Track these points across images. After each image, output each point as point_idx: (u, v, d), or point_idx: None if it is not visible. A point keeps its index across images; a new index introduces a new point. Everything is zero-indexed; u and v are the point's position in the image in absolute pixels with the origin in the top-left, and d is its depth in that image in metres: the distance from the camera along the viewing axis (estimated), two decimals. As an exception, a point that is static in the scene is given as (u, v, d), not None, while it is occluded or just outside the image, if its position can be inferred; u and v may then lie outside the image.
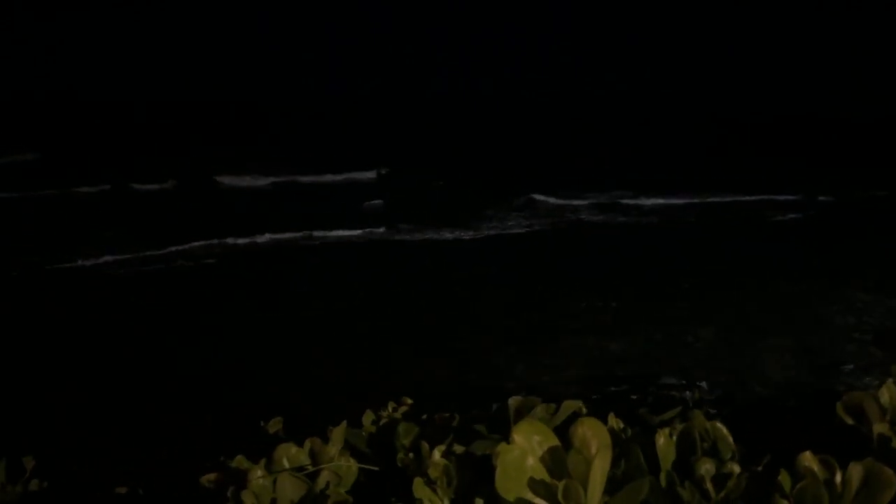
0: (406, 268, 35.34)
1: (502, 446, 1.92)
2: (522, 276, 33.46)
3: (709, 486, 2.00)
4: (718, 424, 2.30)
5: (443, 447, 2.03)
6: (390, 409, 3.02)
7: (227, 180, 57.33)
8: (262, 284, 31.76)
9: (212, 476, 2.12)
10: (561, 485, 1.84)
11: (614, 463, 2.21)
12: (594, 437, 1.97)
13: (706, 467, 2.08)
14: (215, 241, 38.24)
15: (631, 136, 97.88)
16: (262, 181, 58.29)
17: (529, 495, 1.84)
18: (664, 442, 2.13)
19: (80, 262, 33.82)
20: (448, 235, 42.96)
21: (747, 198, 53.54)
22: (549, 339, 24.14)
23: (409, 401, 3.14)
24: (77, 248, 35.71)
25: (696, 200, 53.60)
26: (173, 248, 36.78)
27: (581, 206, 52.71)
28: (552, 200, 53.42)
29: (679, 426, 2.28)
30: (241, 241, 39.10)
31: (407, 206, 49.45)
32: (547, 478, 1.87)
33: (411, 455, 2.15)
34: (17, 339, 23.70)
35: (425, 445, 2.14)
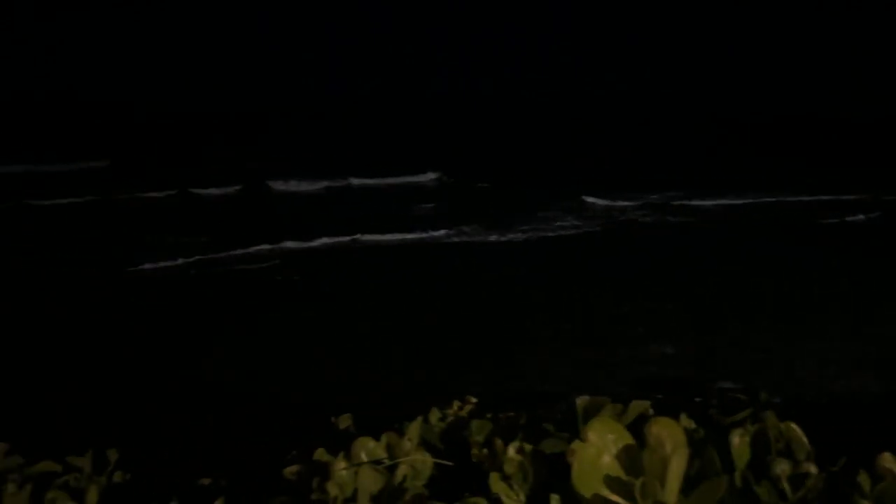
0: (458, 269, 35.45)
1: (578, 443, 1.94)
2: (574, 278, 33.25)
3: (785, 485, 2.00)
4: (792, 425, 2.29)
5: (517, 444, 2.07)
6: (456, 407, 3.07)
7: (283, 185, 58.27)
8: (321, 286, 32.19)
9: (294, 468, 2.20)
10: (638, 482, 1.85)
11: (690, 463, 2.22)
12: (669, 436, 1.98)
13: (782, 467, 2.07)
14: (277, 245, 38.91)
15: (682, 135, 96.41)
16: (315, 185, 59.04)
17: (606, 492, 1.86)
18: (739, 441, 2.13)
19: (146, 266, 34.73)
20: (500, 238, 42.95)
21: (805, 198, 52.21)
22: (604, 342, 23.96)
23: (474, 399, 3.19)
24: (146, 251, 36.76)
25: (750, 201, 52.51)
26: (238, 252, 37.59)
27: (631, 207, 52.14)
28: (602, 202, 52.95)
29: (752, 427, 2.27)
30: (300, 244, 39.71)
31: (460, 208, 49.60)
32: (623, 475, 1.89)
33: (485, 451, 2.19)
34: (95, 338, 24.58)
35: (499, 441, 2.18)
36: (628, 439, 1.98)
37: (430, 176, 64.43)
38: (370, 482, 2.11)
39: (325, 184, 59.51)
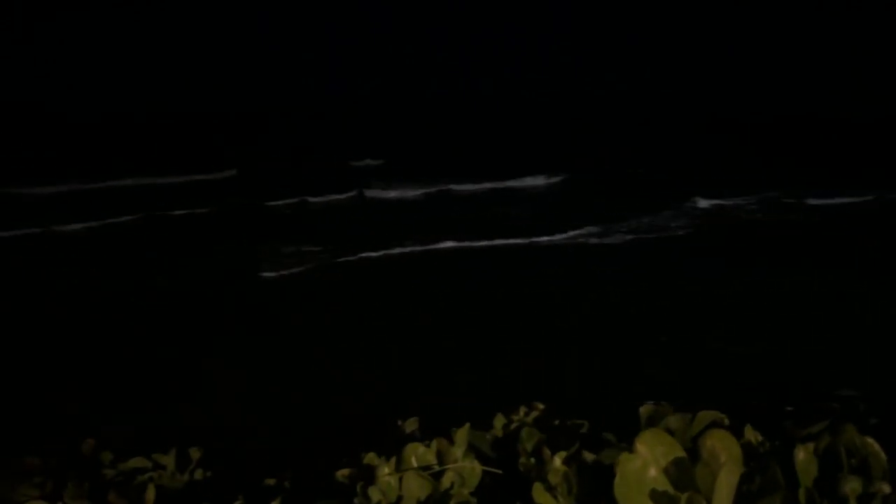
0: (572, 272, 35.01)
1: (624, 455, 1.88)
2: (679, 279, 32.25)
3: (853, 505, 1.86)
4: (869, 440, 2.13)
5: (564, 453, 2.02)
6: (522, 413, 3.03)
7: (390, 192, 59.28)
8: (432, 291, 32.52)
9: (346, 471, 2.23)
10: (684, 497, 1.78)
11: (749, 478, 2.10)
12: (723, 449, 1.89)
13: (852, 486, 1.93)
14: (387, 252, 39.68)
15: (793, 134, 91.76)
16: (418, 191, 59.70)
17: (650, 506, 1.79)
18: (804, 457, 2.00)
19: (268, 274, 36.14)
20: (613, 240, 42.20)
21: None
22: (717, 343, 23.12)
23: (541, 406, 3.14)
24: (269, 258, 38.38)
25: (866, 199, 49.43)
26: (351, 258, 38.63)
27: (743, 206, 50.09)
28: (713, 202, 51.09)
29: (825, 440, 2.13)
30: (406, 249, 40.31)
31: (573, 210, 49.01)
32: (671, 489, 1.81)
33: (533, 460, 2.15)
34: (211, 343, 25.94)
35: (547, 451, 2.14)
36: (679, 452, 1.90)
37: (542, 180, 63.91)
38: (415, 488, 2.11)
39: (428, 190, 60.19)
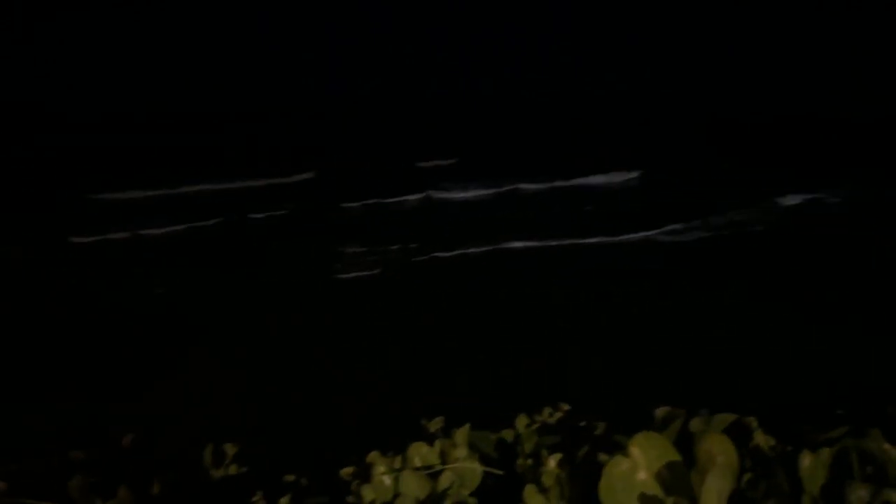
0: (632, 269, 34.42)
1: (617, 458, 1.86)
2: (755, 276, 31.28)
3: (857, 513, 1.79)
4: (888, 447, 2.04)
5: (559, 455, 2.02)
6: (546, 414, 3.02)
7: (458, 193, 59.35)
8: (509, 289, 32.47)
9: (349, 469, 2.27)
10: (670, 501, 1.74)
11: (755, 483, 2.04)
12: (719, 453, 1.84)
13: (858, 494, 1.85)
14: (463, 251, 39.88)
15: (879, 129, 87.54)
16: (483, 191, 59.47)
17: (635, 508, 1.77)
18: (809, 463, 1.94)
19: (344, 275, 36.82)
20: (686, 237, 41.25)
21: None
22: (800, 344, 22.35)
23: (566, 406, 3.12)
24: (345, 259, 39.20)
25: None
26: (421, 258, 39.02)
27: (828, 204, 48.09)
28: (792, 199, 49.19)
29: (837, 446, 2.05)
30: (480, 249, 40.38)
31: (655, 208, 48.07)
32: (659, 493, 1.78)
33: (530, 461, 2.15)
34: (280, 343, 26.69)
35: (544, 452, 2.13)
36: (673, 455, 1.86)
37: (623, 176, 62.65)
38: (413, 488, 2.13)
39: (497, 189, 59.95)
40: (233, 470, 3.45)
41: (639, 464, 1.84)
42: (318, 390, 21.91)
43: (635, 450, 1.86)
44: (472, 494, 2.18)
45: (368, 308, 30.94)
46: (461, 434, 2.26)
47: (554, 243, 40.92)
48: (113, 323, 29.05)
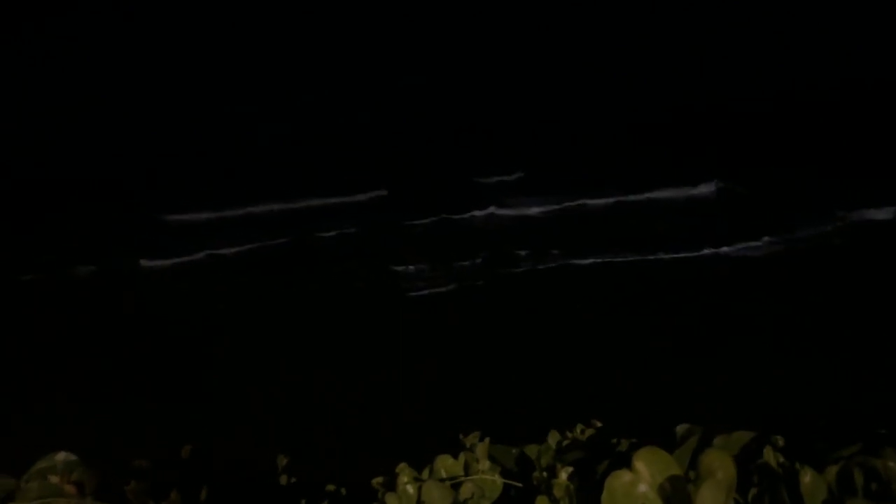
0: (703, 285, 33.74)
1: (622, 471, 1.98)
2: (828, 292, 30.37)
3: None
4: (891, 463, 2.10)
5: (570, 469, 2.16)
6: (578, 430, 3.14)
7: (524, 209, 59.12)
8: (578, 307, 32.32)
9: (379, 479, 2.45)
10: (667, 512, 1.84)
11: (759, 498, 2.12)
12: (718, 468, 1.94)
13: (857, 510, 1.92)
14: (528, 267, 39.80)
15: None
16: (550, 207, 58.89)
17: (634, 521, 1.87)
18: (810, 480, 2.02)
19: (413, 294, 37.23)
20: (757, 252, 40.17)
21: None
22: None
23: (598, 423, 3.23)
24: (414, 276, 39.70)
25: None
26: (492, 275, 39.13)
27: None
28: (877, 214, 47.09)
29: (842, 464, 2.12)
30: (547, 265, 40.20)
31: (737, 221, 46.92)
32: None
33: (545, 474, 2.29)
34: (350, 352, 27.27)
35: (559, 466, 2.27)
36: (675, 470, 1.96)
37: (704, 189, 60.99)
38: (435, 498, 2.29)
39: (564, 204, 59.35)
40: (283, 480, 3.67)
41: (641, 477, 1.95)
42: (381, 404, 22.30)
43: (639, 464, 1.98)
44: (492, 504, 2.32)
45: (436, 324, 31.26)
46: (482, 448, 2.41)
47: (620, 259, 40.40)
48: (171, 340, 30.00)
